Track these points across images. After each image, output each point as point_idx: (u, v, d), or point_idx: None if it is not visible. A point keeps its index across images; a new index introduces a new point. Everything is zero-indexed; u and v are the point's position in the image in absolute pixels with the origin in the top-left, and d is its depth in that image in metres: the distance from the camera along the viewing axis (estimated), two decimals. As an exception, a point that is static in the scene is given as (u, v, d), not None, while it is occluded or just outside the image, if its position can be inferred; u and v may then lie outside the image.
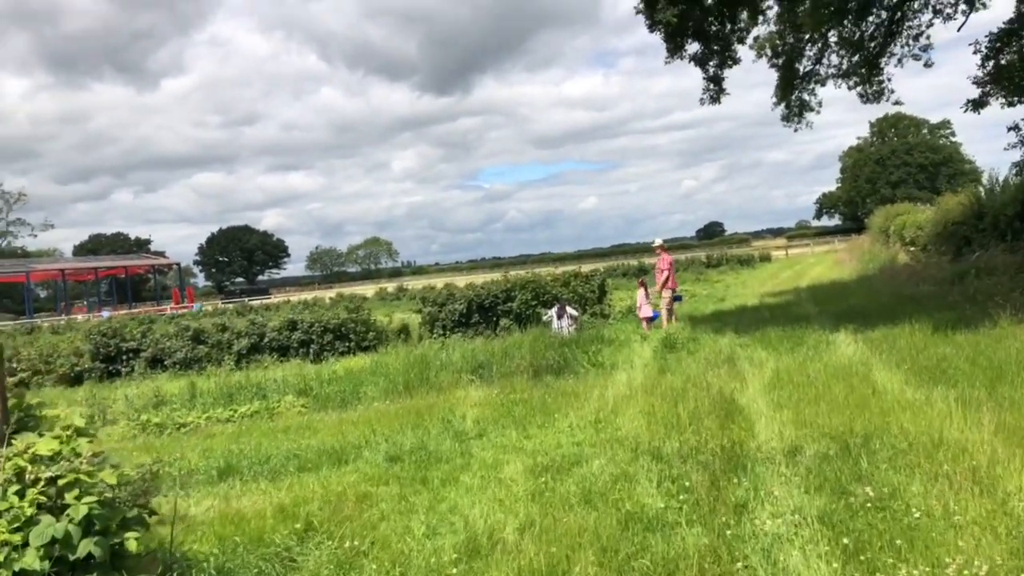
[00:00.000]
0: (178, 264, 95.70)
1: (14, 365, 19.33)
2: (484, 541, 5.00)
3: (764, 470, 5.84)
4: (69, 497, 4.09)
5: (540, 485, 6.12)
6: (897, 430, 6.32)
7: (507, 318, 18.31)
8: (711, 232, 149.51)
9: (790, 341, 11.87)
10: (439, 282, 36.95)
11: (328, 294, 53.19)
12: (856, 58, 18.39)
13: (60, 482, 4.12)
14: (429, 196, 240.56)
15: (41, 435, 4.53)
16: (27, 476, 4.12)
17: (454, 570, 4.58)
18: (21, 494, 4.07)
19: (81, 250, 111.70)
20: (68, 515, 4.05)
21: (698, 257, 54.53)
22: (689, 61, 15.73)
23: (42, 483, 4.11)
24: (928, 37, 17.95)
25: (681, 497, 5.37)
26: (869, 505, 4.83)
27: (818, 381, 8.67)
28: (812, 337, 12.01)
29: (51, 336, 30.16)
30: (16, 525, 3.97)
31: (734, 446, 6.54)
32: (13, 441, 4.39)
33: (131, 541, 4.20)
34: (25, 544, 3.95)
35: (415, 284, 56.54)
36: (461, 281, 30.50)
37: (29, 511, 4.02)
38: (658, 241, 17.94)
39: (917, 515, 4.58)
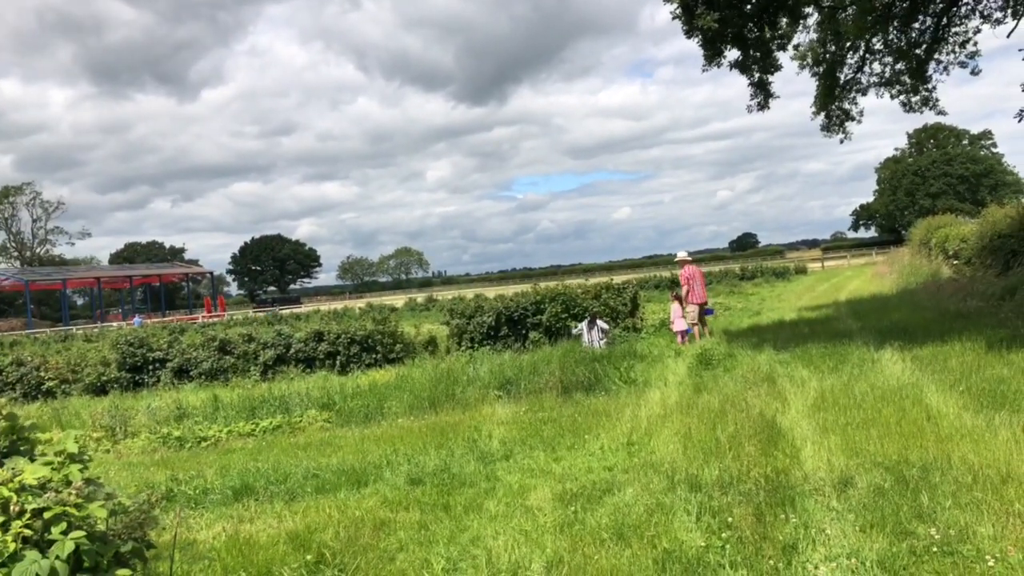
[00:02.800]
0: (211, 273, 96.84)
1: (42, 374, 19.34)
2: (507, 579, 4.61)
3: (813, 504, 5.36)
4: (55, 531, 3.77)
5: (569, 515, 5.70)
6: (959, 461, 5.80)
7: (536, 331, 17.90)
8: (744, 244, 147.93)
9: (832, 358, 11.32)
10: (469, 293, 36.68)
11: (359, 304, 53.25)
12: (900, 66, 17.78)
13: (46, 515, 3.79)
14: (462, 206, 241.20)
15: (32, 460, 4.22)
16: (12, 507, 3.80)
17: (474, 614, 4.18)
18: (5, 527, 3.76)
19: (117, 258, 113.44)
20: (54, 551, 3.72)
21: (732, 269, 53.69)
22: (730, 68, 15.28)
23: (28, 515, 3.79)
24: (975, 43, 17.31)
25: (723, 534, 4.92)
26: (935, 549, 4.35)
27: (866, 403, 8.15)
28: (856, 354, 11.45)
29: (84, 344, 30.35)
30: (-3, 561, 3.65)
31: (778, 475, 6.07)
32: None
33: (123, 579, 3.87)
34: (7, 582, 3.64)
35: (445, 294, 56.34)
36: (491, 292, 30.17)
37: (12, 546, 3.69)
38: (680, 254, 17.55)
39: (991, 562, 4.10)
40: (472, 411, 10.76)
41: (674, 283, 24.96)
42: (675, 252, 18.86)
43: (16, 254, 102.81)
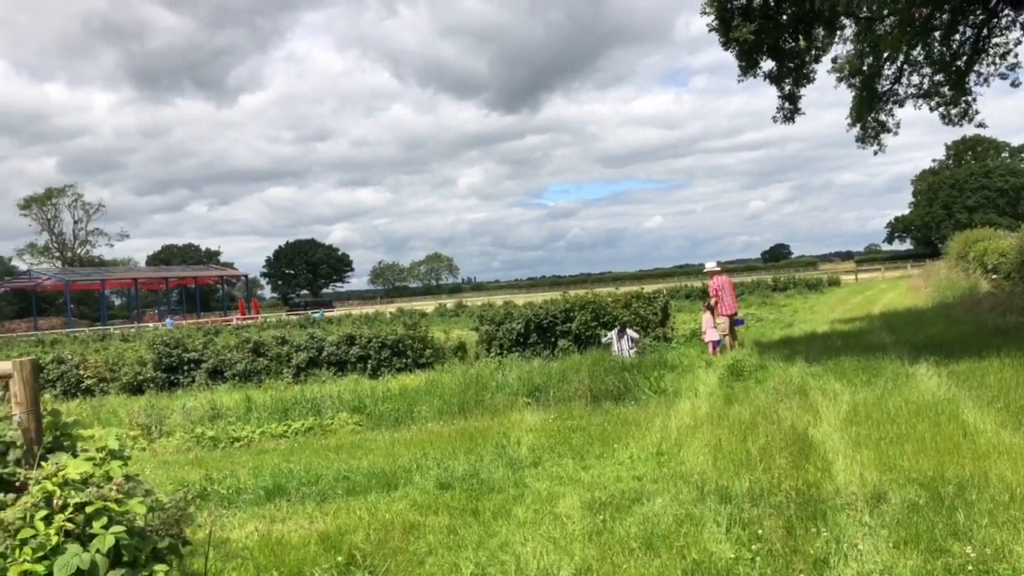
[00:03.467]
0: (246, 276, 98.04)
1: (81, 372, 19.73)
2: (536, 586, 4.62)
3: (845, 518, 5.31)
4: (96, 526, 3.86)
5: (598, 524, 5.71)
6: (996, 479, 5.72)
7: (566, 339, 17.88)
8: (777, 255, 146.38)
9: (866, 372, 11.18)
10: (498, 299, 36.75)
11: (389, 308, 53.59)
12: (939, 77, 17.53)
13: (88, 509, 3.89)
14: (493, 213, 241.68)
15: (75, 455, 4.33)
16: (55, 501, 3.91)
17: (502, 619, 4.20)
18: (48, 520, 3.86)
19: (154, 260, 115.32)
20: (95, 545, 3.82)
21: (764, 280, 53.15)
22: (764, 79, 15.19)
23: (70, 509, 3.89)
24: (1016, 55, 17.01)
25: (753, 547, 4.90)
26: (971, 568, 4.29)
27: (900, 418, 8.05)
28: (890, 368, 11.31)
29: (121, 343, 30.90)
30: (40, 554, 3.76)
31: (810, 488, 6.02)
32: (43, 464, 4.20)
33: (160, 574, 3.96)
34: (49, 574, 3.74)
35: (474, 301, 56.48)
36: (520, 299, 30.21)
37: (55, 539, 3.80)
38: (710, 265, 17.51)
39: (1028, 583, 4.04)
40: (501, 417, 10.79)
41: (705, 293, 24.84)
42: (705, 262, 18.79)
43: (57, 254, 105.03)
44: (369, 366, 18.65)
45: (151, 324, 57.80)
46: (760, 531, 5.14)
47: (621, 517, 5.84)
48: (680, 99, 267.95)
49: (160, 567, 3.99)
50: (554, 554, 5.13)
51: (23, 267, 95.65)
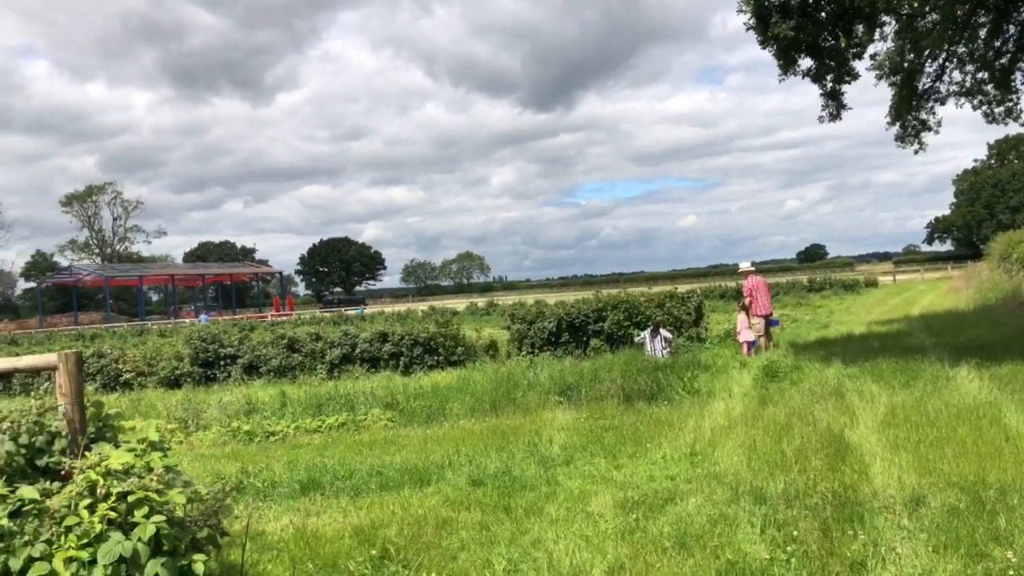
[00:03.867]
0: (280, 273, 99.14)
1: (120, 366, 20.12)
2: (569, 584, 4.62)
3: (882, 521, 5.24)
4: (138, 515, 3.94)
5: (631, 522, 5.69)
6: (1039, 484, 5.60)
7: (598, 338, 17.84)
8: (813, 255, 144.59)
9: (904, 374, 11.00)
10: (530, 298, 36.73)
11: (421, 306, 53.86)
12: (982, 75, 17.17)
13: (130, 499, 3.97)
14: (525, 212, 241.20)
15: (117, 446, 4.42)
16: (99, 490, 4.00)
17: (535, 615, 4.21)
18: (92, 508, 3.95)
19: (191, 257, 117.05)
20: (136, 534, 3.90)
21: (799, 281, 52.51)
22: (803, 77, 14.98)
23: (113, 498, 3.97)
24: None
25: (789, 548, 4.85)
26: (1012, 573, 4.21)
27: (940, 421, 7.91)
28: (929, 371, 11.11)
29: (158, 339, 31.45)
30: (85, 541, 3.85)
31: (846, 491, 5.95)
32: (87, 454, 4.29)
33: (198, 563, 4.02)
34: (93, 561, 3.82)
35: (506, 299, 56.56)
36: (552, 298, 30.18)
37: (99, 527, 3.89)
38: (744, 265, 17.37)
39: (1073, 590, 3.95)
40: (532, 416, 10.80)
41: (739, 293, 24.63)
42: (739, 262, 18.62)
43: (97, 251, 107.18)
44: (401, 363, 18.77)
45: (187, 320, 58.73)
46: (795, 533, 5.09)
47: (654, 516, 5.81)
48: (715, 97, 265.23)
49: (199, 557, 4.06)
50: (587, 552, 5.13)
51: (64, 263, 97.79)
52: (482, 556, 5.24)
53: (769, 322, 16.62)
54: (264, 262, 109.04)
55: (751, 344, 15.86)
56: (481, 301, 58.69)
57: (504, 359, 17.85)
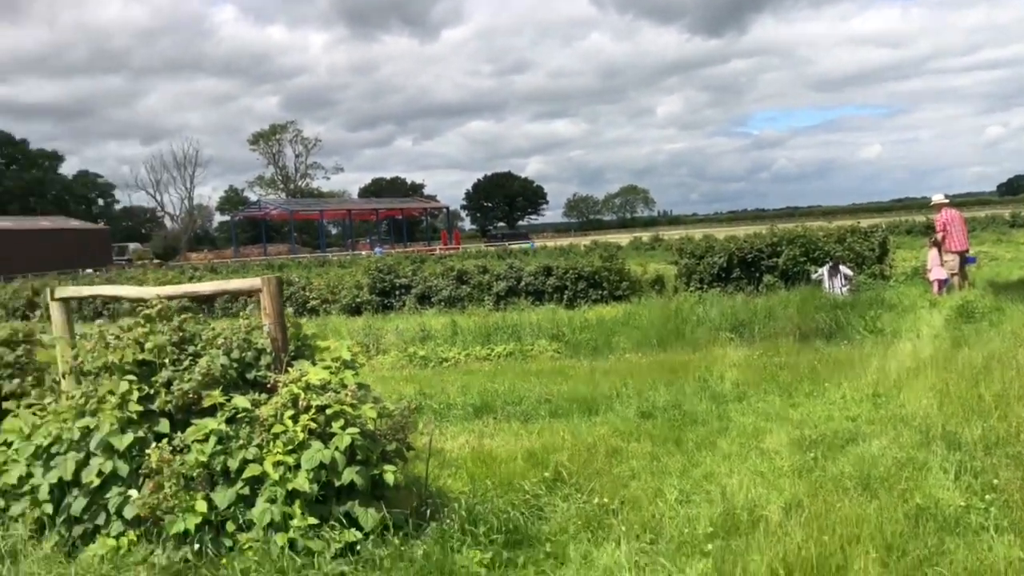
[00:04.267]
0: (447, 208, 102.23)
1: (307, 293, 21.61)
2: (744, 517, 4.56)
3: (1099, 475, 4.76)
4: (335, 426, 4.26)
5: (808, 461, 5.51)
6: None
7: (771, 275, 17.13)
8: (1016, 187, 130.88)
9: None
10: (696, 233, 35.80)
11: (583, 241, 53.89)
12: None
13: (328, 411, 4.29)
14: (692, 143, 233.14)
15: (314, 364, 4.77)
16: (300, 403, 4.34)
17: (709, 545, 4.19)
18: (295, 419, 4.31)
19: (365, 192, 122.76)
20: (334, 443, 4.22)
21: (1000, 215, 47.83)
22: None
23: (313, 411, 4.31)
24: None
25: (987, 497, 4.53)
26: None
27: None
28: None
29: (338, 269, 33.46)
30: (290, 447, 4.21)
31: (1055, 441, 5.44)
32: (290, 368, 4.66)
33: (389, 473, 4.31)
34: (297, 466, 4.18)
35: (671, 234, 55.41)
36: (720, 233, 29.26)
37: (301, 435, 4.24)
38: (936, 197, 15.96)
39: None
40: (702, 352, 10.60)
41: (929, 228, 22.77)
42: (931, 195, 17.16)
43: (282, 186, 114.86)
44: (565, 297, 18.93)
45: (363, 252, 62.05)
46: (995, 481, 4.73)
47: (833, 456, 5.60)
48: (908, 14, 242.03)
49: (389, 468, 4.34)
50: (762, 487, 5.03)
51: (253, 198, 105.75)
52: (653, 485, 5.27)
53: (965, 259, 15.29)
54: (432, 197, 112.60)
55: (943, 283, 14.68)
56: (645, 236, 57.84)
57: (671, 294, 17.56)
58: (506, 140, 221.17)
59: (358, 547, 4.08)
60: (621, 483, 5.34)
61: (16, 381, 5.17)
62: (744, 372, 8.82)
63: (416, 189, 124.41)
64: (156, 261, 70.14)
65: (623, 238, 56.93)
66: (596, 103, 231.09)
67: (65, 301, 5.73)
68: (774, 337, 11.07)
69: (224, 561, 4.00)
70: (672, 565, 4.03)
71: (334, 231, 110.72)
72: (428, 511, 4.51)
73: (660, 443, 6.32)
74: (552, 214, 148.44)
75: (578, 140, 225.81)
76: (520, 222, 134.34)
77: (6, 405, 5.07)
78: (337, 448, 4.20)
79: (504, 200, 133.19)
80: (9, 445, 4.81)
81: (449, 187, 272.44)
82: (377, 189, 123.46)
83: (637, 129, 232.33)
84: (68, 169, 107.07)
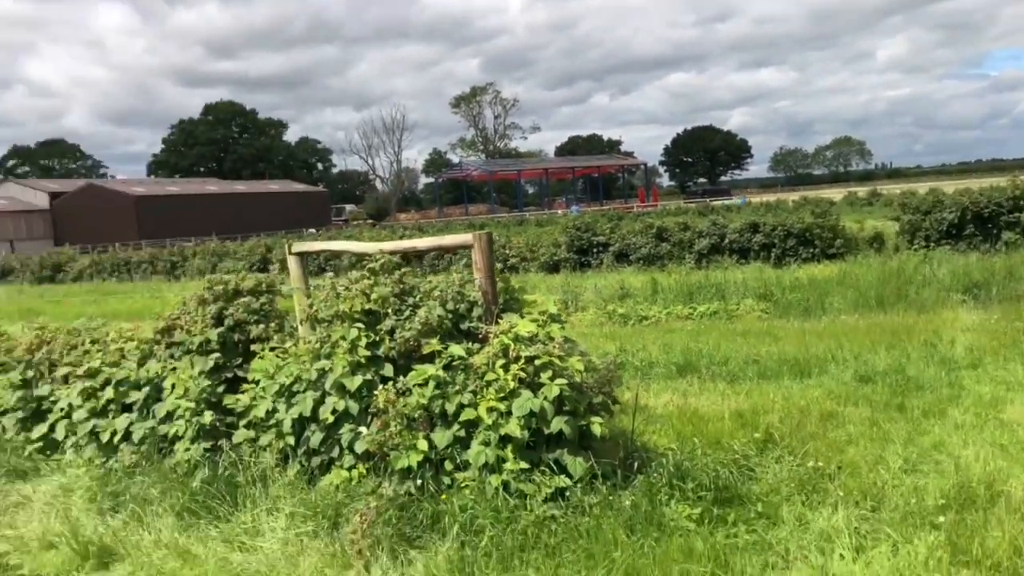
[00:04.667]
0: (645, 164, 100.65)
1: (507, 251, 22.24)
2: (980, 491, 4.19)
3: None
4: (544, 377, 4.37)
5: (1059, 436, 4.95)
6: None
7: (1012, 231, 15.36)
8: None
9: None
10: (920, 187, 32.70)
11: (791, 197, 51.15)
12: None
13: (537, 362, 4.41)
14: (918, 88, 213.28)
15: (522, 317, 4.90)
16: (510, 353, 4.49)
17: (940, 518, 3.89)
18: (506, 368, 4.46)
19: (561, 151, 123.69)
20: (543, 393, 4.33)
21: None
22: None
23: (522, 361, 4.44)
24: None
25: None
26: None
27: None
28: None
29: (536, 228, 34.10)
30: (502, 395, 4.38)
31: None
32: (500, 320, 4.82)
33: (596, 425, 4.37)
34: (509, 412, 4.35)
35: (891, 189, 51.14)
36: (948, 186, 26.60)
37: (512, 384, 4.39)
38: None
39: None
40: (929, 314, 9.77)
41: None
42: None
43: (481, 147, 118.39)
44: (772, 255, 18.09)
45: (559, 211, 62.72)
46: None
47: (1092, 433, 4.99)
48: None
49: (595, 419, 4.40)
50: (1002, 460, 4.60)
51: (455, 160, 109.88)
52: (874, 452, 4.96)
53: None
54: (629, 154, 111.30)
55: None
56: (861, 191, 53.78)
57: (891, 253, 16.27)
58: (708, 92, 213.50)
59: (567, 493, 4.19)
60: (837, 448, 5.08)
61: (261, 326, 5.73)
62: (979, 337, 8.04)
63: (613, 146, 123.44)
64: (370, 221, 75.10)
65: (836, 193, 53.42)
66: (806, 49, 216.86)
67: (301, 255, 6.27)
68: (1015, 300, 9.97)
69: (444, 497, 4.26)
70: (898, 535, 3.79)
71: (531, 190, 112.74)
72: (635, 464, 4.53)
73: (881, 409, 5.93)
74: (757, 169, 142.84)
75: (785, 90, 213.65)
76: (722, 178, 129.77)
77: (253, 348, 5.65)
78: (546, 397, 4.31)
79: (705, 155, 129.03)
80: (256, 383, 5.38)
81: (647, 143, 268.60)
82: (573, 147, 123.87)
83: (853, 76, 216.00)
84: (291, 136, 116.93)
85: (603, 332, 10.93)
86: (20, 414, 6.37)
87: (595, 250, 20.98)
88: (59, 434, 6.06)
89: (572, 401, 4.40)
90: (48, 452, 6.11)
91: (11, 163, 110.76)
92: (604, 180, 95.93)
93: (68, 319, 8.53)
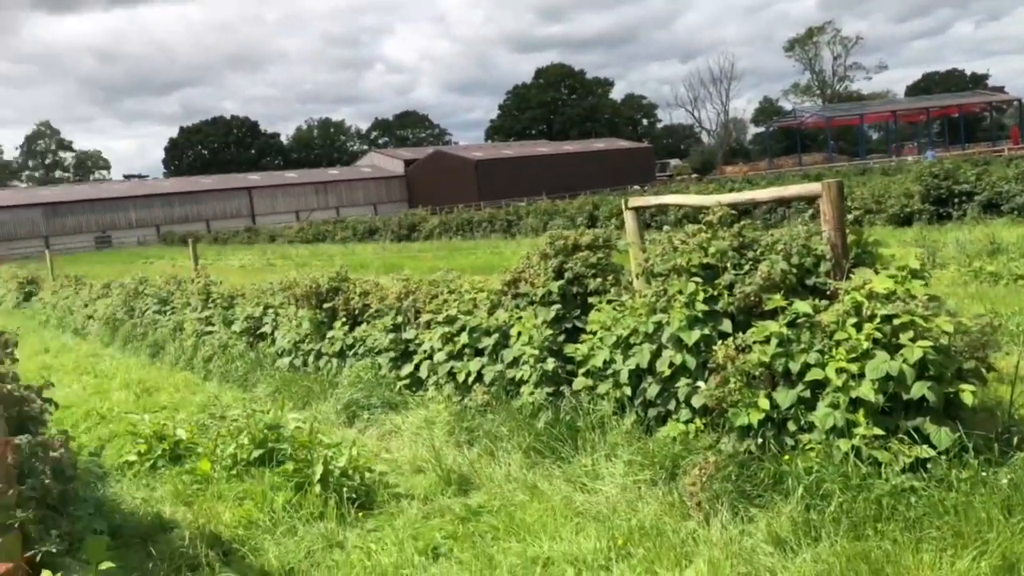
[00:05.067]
0: (1018, 100, 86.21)
1: (849, 203, 20.55)
2: None
3: None
4: (903, 338, 3.99)
5: None
6: None
7: None
8: None
9: None
10: None
11: None
12: None
13: (895, 322, 4.04)
14: None
15: (876, 272, 4.51)
16: (864, 311, 4.16)
17: None
18: (858, 327, 4.15)
19: (913, 90, 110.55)
20: (902, 355, 3.96)
21: None
22: None
23: (877, 320, 4.10)
24: None
25: None
26: None
27: None
28: None
29: (881, 177, 31.01)
30: (853, 356, 4.09)
31: None
32: (851, 276, 4.48)
33: (966, 393, 3.91)
34: (860, 375, 4.05)
35: None
36: None
37: (865, 344, 4.07)
38: None
39: None
40: None
41: None
42: None
43: (818, 92, 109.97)
44: None
45: (910, 157, 56.31)
46: None
47: None
48: None
49: (966, 387, 3.94)
50: None
51: (788, 107, 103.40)
52: None
53: None
54: (999, 89, 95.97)
55: None
56: None
57: None
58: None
59: (929, 464, 3.81)
60: None
61: (598, 280, 5.95)
62: None
63: (977, 81, 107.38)
64: (695, 175, 74.03)
65: None
66: None
67: (636, 210, 6.37)
68: None
69: (787, 458, 4.11)
70: None
71: (875, 136, 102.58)
72: (1014, 439, 3.98)
73: None
74: None
75: None
76: None
77: (591, 300, 5.90)
78: (906, 360, 3.93)
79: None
80: (594, 334, 5.61)
81: (1021, 75, 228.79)
82: (928, 85, 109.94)
83: None
84: (617, 93, 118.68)
85: (967, 292, 9.69)
86: (392, 354, 7.31)
87: (956, 200, 18.58)
88: (423, 373, 6.86)
89: (937, 365, 3.97)
90: (414, 388, 6.95)
91: (373, 135, 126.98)
92: (966, 121, 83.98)
93: (424, 272, 9.59)
